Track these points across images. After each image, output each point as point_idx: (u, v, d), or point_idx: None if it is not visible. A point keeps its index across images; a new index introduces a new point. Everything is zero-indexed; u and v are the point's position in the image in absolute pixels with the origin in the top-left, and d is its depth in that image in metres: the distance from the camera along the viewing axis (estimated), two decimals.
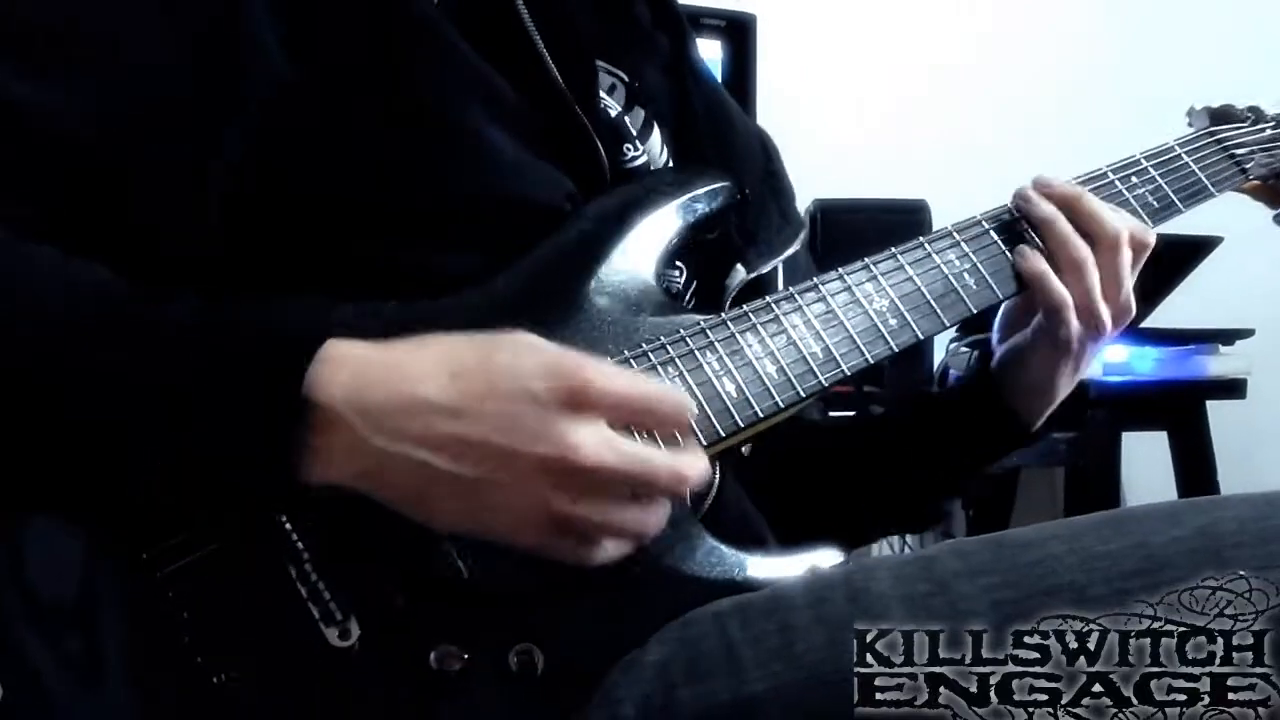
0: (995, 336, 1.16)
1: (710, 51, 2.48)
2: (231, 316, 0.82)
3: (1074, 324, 1.06)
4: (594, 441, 0.77)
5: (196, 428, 0.77)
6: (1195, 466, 2.50)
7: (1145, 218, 1.14)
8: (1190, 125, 1.26)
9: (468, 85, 0.94)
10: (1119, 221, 1.07)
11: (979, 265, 1.06)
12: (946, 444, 1.19)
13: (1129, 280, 1.08)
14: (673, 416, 0.82)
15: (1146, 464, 2.60)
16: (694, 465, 0.82)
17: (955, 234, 1.06)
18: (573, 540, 0.80)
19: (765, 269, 1.09)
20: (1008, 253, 1.07)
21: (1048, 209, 1.07)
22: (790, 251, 1.12)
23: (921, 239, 1.05)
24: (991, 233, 1.07)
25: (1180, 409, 2.50)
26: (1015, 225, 1.08)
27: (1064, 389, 1.13)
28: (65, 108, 0.84)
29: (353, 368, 0.78)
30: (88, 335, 0.79)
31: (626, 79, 1.11)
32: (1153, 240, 1.09)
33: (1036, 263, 1.06)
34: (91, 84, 0.86)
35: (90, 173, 0.85)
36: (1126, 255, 1.07)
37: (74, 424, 0.78)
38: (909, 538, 2.81)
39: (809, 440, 1.21)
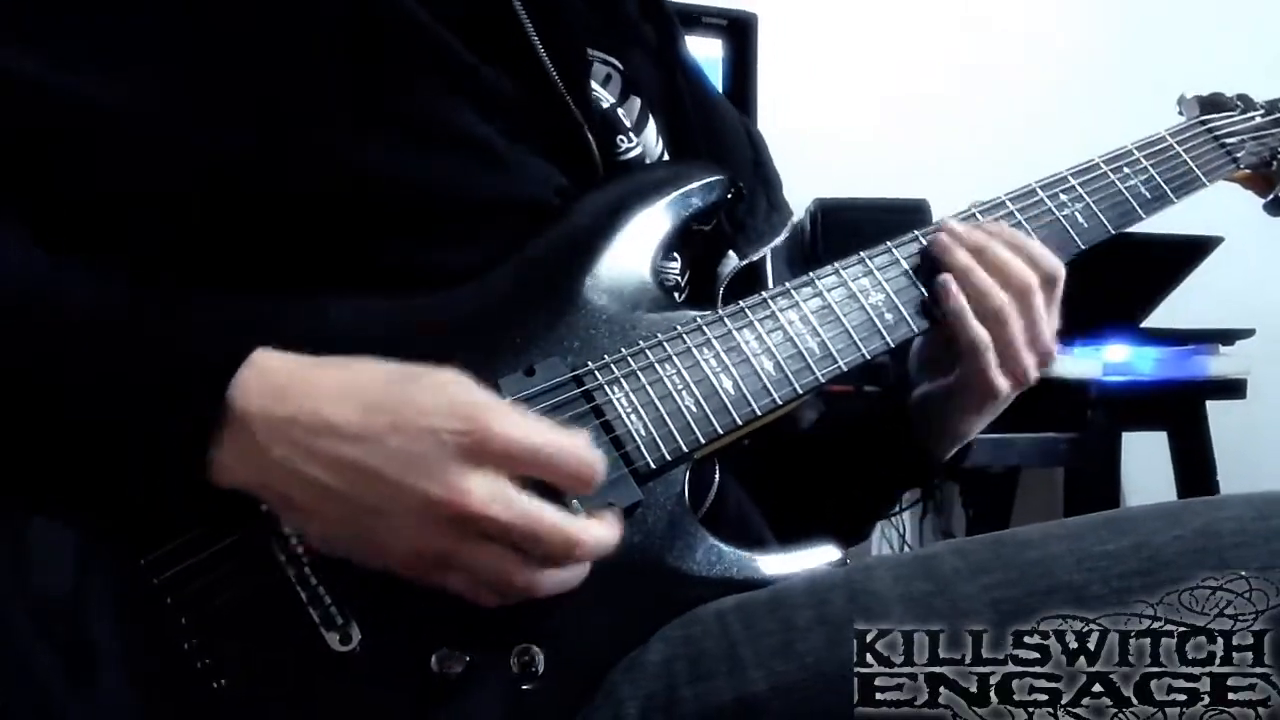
0: (913, 367, 1.14)
1: (711, 50, 2.48)
2: (167, 313, 0.83)
3: (996, 371, 1.03)
4: (485, 491, 0.77)
5: (114, 414, 0.77)
6: (1195, 467, 2.50)
7: (1137, 207, 1.13)
8: (1181, 114, 1.26)
9: (453, 81, 0.93)
10: (1026, 269, 1.04)
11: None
12: (856, 467, 1.16)
13: (1047, 324, 1.05)
14: (576, 472, 0.80)
15: (1146, 464, 2.60)
16: (593, 531, 0.81)
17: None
18: (462, 576, 0.79)
19: (756, 256, 1.09)
20: (923, 288, 1.03)
21: (963, 258, 1.04)
22: (780, 239, 1.11)
23: (916, 233, 1.05)
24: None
25: (1180, 409, 2.50)
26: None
27: (975, 431, 1.12)
28: (55, 85, 0.85)
29: (273, 378, 0.78)
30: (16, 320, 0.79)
31: (621, 68, 1.10)
32: (1060, 273, 1.05)
33: (957, 300, 1.03)
34: (90, 60, 0.86)
35: (69, 156, 0.86)
36: (1040, 299, 1.04)
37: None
38: (908, 537, 2.81)
39: (781, 444, 1.20)
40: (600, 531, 0.81)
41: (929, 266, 1.04)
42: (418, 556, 0.78)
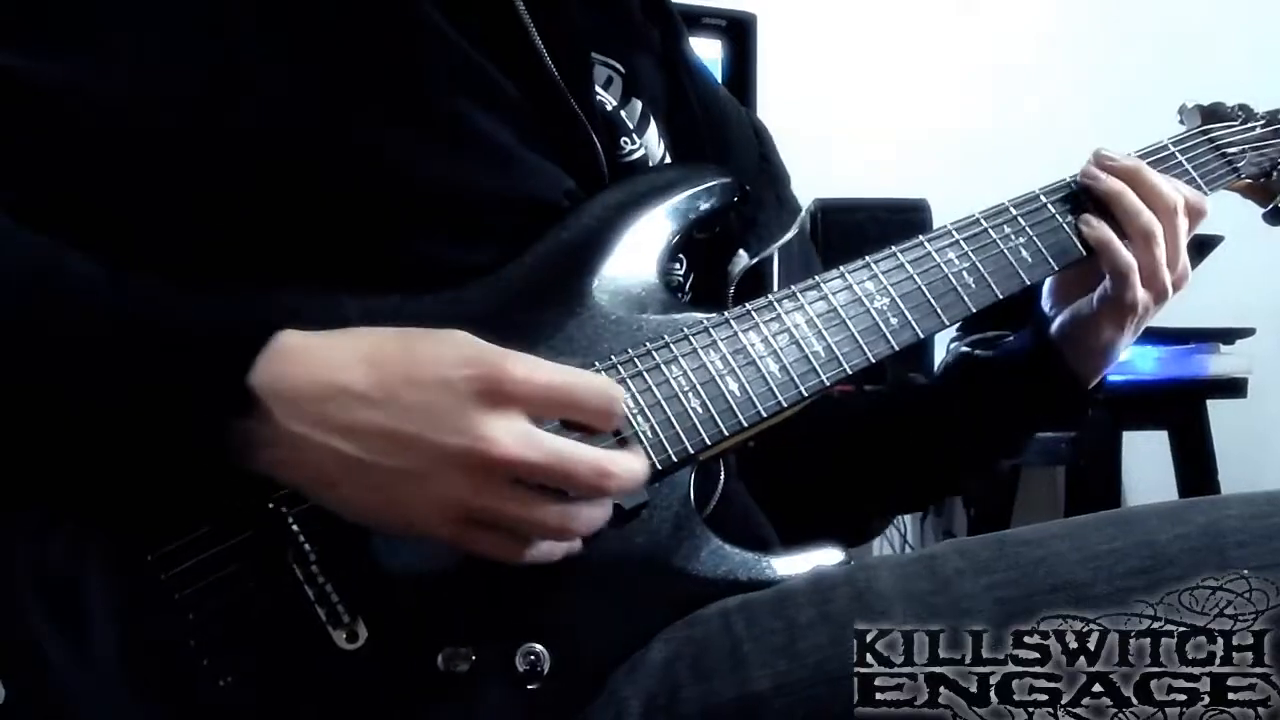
0: (1047, 304, 1.19)
1: (711, 51, 2.47)
2: (190, 302, 0.82)
3: (1140, 289, 1.10)
4: (509, 435, 0.76)
5: (134, 402, 0.77)
6: (1196, 466, 2.50)
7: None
8: (1182, 123, 1.27)
9: (463, 79, 0.94)
10: (1175, 192, 1.11)
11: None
12: (1003, 410, 1.21)
13: (1184, 248, 1.12)
14: (598, 406, 0.81)
15: (1147, 463, 2.60)
16: (622, 462, 0.81)
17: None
18: (493, 534, 0.79)
19: (767, 253, 1.09)
20: (1065, 225, 1.10)
21: (1115, 183, 1.11)
22: (789, 235, 1.12)
23: (921, 237, 1.05)
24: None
25: (1181, 408, 2.50)
26: (1076, 196, 1.12)
27: (1124, 349, 1.19)
28: (68, 83, 0.84)
29: (286, 355, 0.78)
30: (37, 306, 0.79)
31: (623, 70, 1.10)
32: (1207, 207, 1.15)
33: (1103, 231, 1.09)
34: (93, 62, 0.85)
35: (85, 151, 0.86)
36: (1184, 223, 1.12)
37: (17, 394, 0.78)
38: (909, 537, 2.81)
39: (839, 414, 1.22)
40: (630, 461, 0.81)
41: (930, 269, 1.04)
42: (450, 515, 0.78)
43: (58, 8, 0.86)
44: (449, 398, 0.77)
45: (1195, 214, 1.13)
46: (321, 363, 0.78)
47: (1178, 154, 1.19)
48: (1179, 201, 1.11)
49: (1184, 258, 1.12)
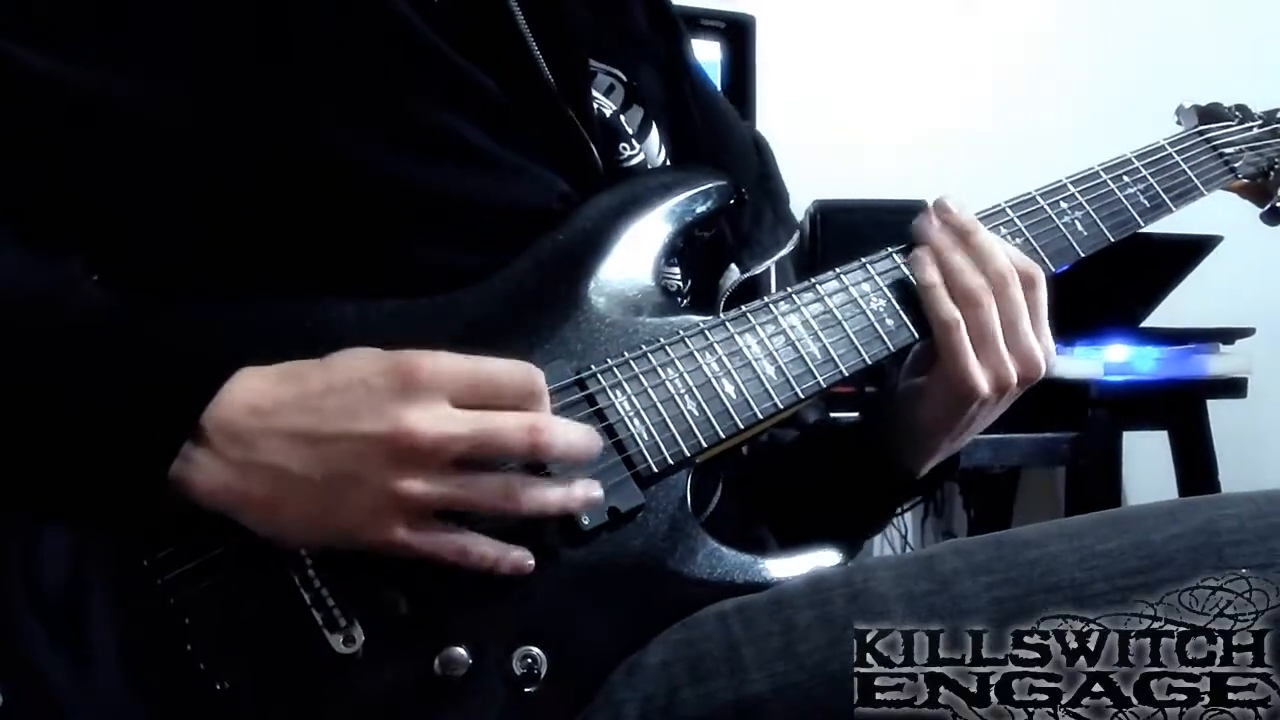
0: (900, 376, 1.09)
1: (710, 52, 2.48)
2: (160, 325, 0.84)
3: (971, 357, 0.98)
4: (429, 415, 0.78)
5: (87, 425, 0.78)
6: (1196, 465, 2.49)
7: (1136, 216, 1.13)
8: (1179, 124, 1.27)
9: (444, 86, 0.94)
10: (1005, 260, 1.00)
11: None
12: (832, 482, 1.12)
13: (1027, 324, 1.00)
14: (518, 383, 0.82)
15: (1147, 463, 2.59)
16: (554, 420, 0.82)
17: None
18: (440, 532, 0.80)
19: (759, 270, 1.08)
20: (909, 273, 1.01)
21: (940, 236, 1.01)
22: (784, 252, 1.11)
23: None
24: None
25: (1181, 408, 2.50)
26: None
27: (946, 443, 1.06)
28: (62, 78, 0.85)
29: (239, 394, 0.80)
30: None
31: (625, 79, 1.11)
32: (1038, 275, 1.02)
33: (931, 274, 0.99)
34: (95, 57, 0.86)
35: (83, 150, 0.86)
36: (1015, 291, 0.99)
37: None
38: (910, 538, 2.81)
39: (770, 456, 1.18)
40: (564, 424, 0.83)
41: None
42: (390, 513, 0.78)
43: (52, 6, 0.86)
44: (367, 394, 0.79)
45: (1029, 285, 1.01)
46: (244, 389, 0.80)
47: (1174, 154, 1.18)
48: (1009, 269, 0.99)
49: (1028, 338, 0.99)
